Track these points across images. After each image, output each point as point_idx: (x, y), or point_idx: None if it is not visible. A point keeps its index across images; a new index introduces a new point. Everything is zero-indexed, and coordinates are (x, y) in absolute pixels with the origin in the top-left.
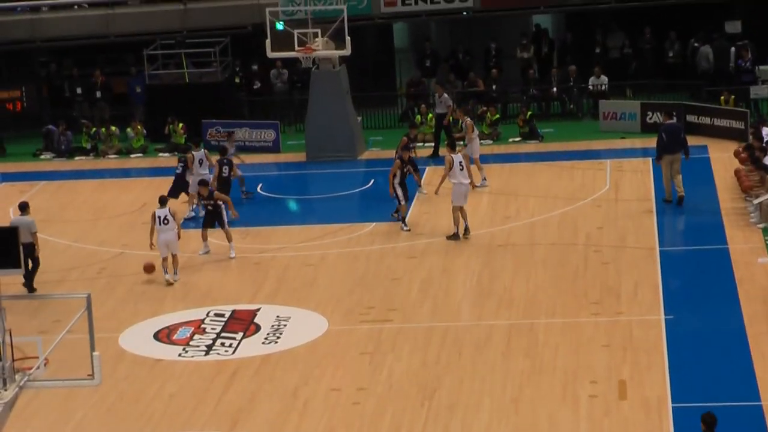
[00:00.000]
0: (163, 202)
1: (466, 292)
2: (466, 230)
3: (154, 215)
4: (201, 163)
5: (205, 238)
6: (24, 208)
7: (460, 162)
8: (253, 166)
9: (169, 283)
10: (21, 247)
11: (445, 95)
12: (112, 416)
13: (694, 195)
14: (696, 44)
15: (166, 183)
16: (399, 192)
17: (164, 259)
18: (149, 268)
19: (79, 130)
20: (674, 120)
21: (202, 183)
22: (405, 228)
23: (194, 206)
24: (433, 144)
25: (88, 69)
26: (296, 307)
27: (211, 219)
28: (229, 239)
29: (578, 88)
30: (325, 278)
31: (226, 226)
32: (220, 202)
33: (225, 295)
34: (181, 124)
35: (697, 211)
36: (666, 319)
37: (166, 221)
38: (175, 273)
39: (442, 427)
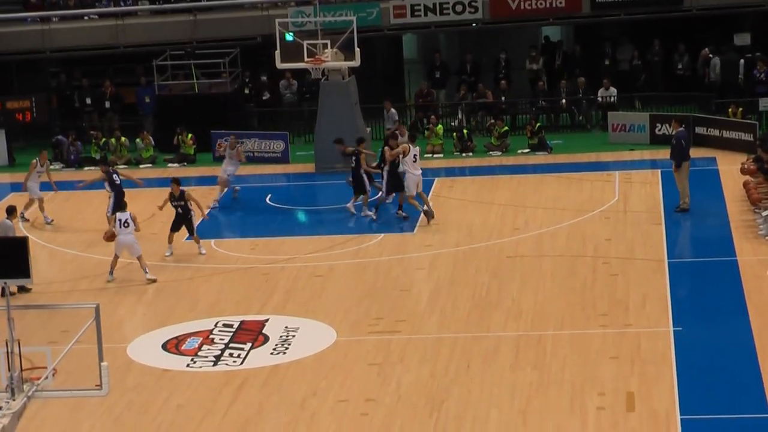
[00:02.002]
0: (123, 207)
1: (474, 304)
2: (431, 214)
3: (115, 218)
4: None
5: (171, 240)
6: (11, 212)
7: (415, 155)
8: (262, 176)
9: (108, 281)
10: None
11: (392, 110)
12: (119, 427)
13: (703, 207)
14: (711, 55)
15: None
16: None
17: (115, 257)
18: (110, 237)
19: (88, 141)
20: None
21: (175, 181)
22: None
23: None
24: (441, 155)
25: (98, 79)
26: (305, 317)
27: (178, 222)
28: (197, 241)
29: (587, 100)
30: (333, 289)
31: (195, 232)
32: (191, 204)
33: (233, 305)
34: (190, 135)
35: (706, 223)
36: (674, 331)
37: (126, 224)
38: (146, 271)
39: None
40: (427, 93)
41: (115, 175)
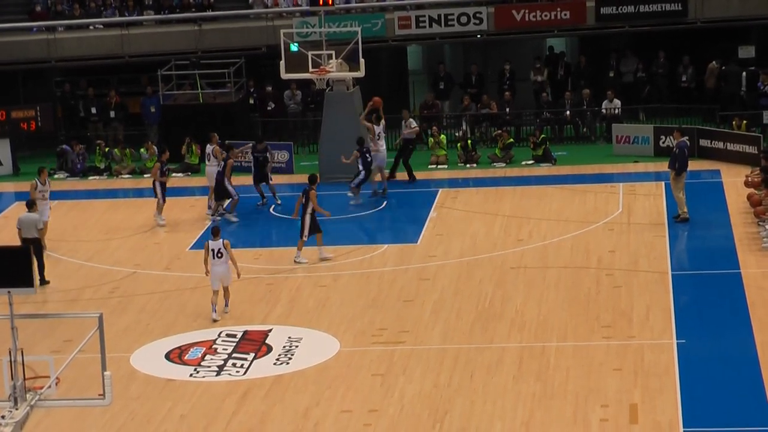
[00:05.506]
0: (216, 233)
1: (478, 315)
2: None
3: (207, 246)
4: None
5: (300, 248)
6: (30, 205)
7: (379, 133)
8: (266, 186)
9: (214, 320)
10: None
11: (411, 119)
12: None
13: (707, 219)
14: (724, 68)
15: (178, 203)
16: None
17: (215, 293)
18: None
19: (93, 150)
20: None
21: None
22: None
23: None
24: (445, 166)
25: (103, 89)
26: (308, 328)
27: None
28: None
29: (591, 112)
30: (337, 299)
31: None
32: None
33: (237, 315)
34: (195, 145)
35: (710, 236)
36: (678, 343)
37: (219, 254)
38: (226, 303)
39: None
40: (432, 104)
41: (165, 168)
